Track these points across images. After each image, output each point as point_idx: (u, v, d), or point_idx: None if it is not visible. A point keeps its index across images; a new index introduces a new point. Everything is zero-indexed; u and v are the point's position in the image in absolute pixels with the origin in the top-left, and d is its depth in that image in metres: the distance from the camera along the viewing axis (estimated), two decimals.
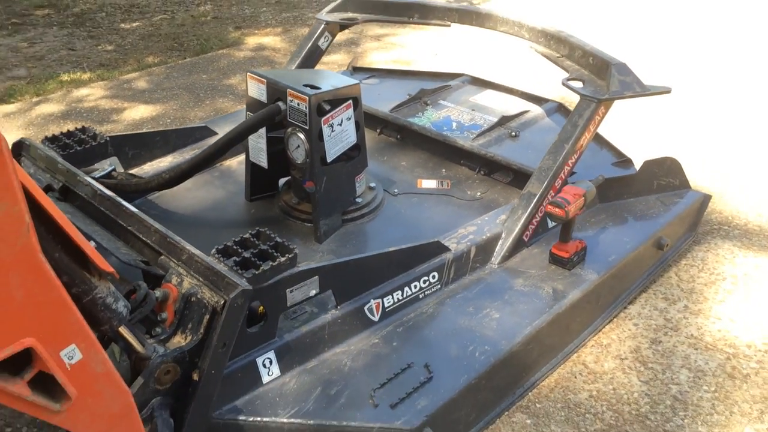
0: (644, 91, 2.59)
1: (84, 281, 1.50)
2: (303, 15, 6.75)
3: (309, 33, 3.47)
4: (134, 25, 6.67)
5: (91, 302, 1.52)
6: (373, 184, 2.83)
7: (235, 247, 1.96)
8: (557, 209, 2.30)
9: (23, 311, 1.30)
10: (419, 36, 5.87)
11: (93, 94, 4.74)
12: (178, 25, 6.58)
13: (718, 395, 2.22)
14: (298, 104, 2.40)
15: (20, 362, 1.35)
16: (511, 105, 3.39)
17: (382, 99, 3.50)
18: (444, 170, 3.04)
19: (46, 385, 1.40)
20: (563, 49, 2.89)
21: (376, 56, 5.44)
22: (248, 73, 2.58)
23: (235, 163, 3.10)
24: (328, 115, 2.44)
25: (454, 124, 3.24)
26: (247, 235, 2.00)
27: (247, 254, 1.93)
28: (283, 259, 1.92)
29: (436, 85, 3.61)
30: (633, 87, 2.58)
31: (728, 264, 2.82)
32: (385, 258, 2.20)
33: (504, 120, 3.19)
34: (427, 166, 3.09)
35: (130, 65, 5.42)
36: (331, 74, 2.83)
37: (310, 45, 3.43)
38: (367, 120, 3.30)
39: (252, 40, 5.97)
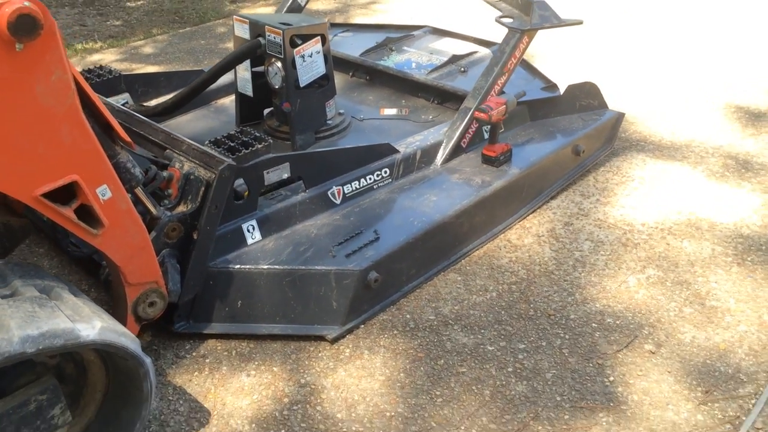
0: (560, 22, 3.15)
1: (110, 146, 2.08)
2: None
3: None
4: (139, 3, 7.24)
5: (115, 164, 2.09)
6: (342, 111, 3.40)
7: (223, 139, 2.55)
8: (482, 114, 2.87)
9: (70, 154, 1.87)
10: (401, 4, 6.41)
11: (105, 58, 5.33)
12: (179, 1, 7.14)
13: (612, 257, 2.79)
14: (275, 38, 2.97)
15: (69, 196, 1.94)
16: (464, 48, 3.94)
17: (354, 47, 4.05)
18: (404, 101, 3.61)
19: (88, 216, 1.98)
20: None
21: (361, 21, 5.98)
22: (234, 17, 3.15)
23: (228, 101, 3.67)
24: (299, 47, 3.01)
25: (414, 64, 3.80)
26: (233, 132, 2.58)
27: (232, 143, 2.52)
28: (260, 146, 2.51)
29: (401, 35, 4.17)
30: (551, 19, 3.14)
31: (639, 170, 3.38)
32: (344, 153, 2.78)
33: (455, 58, 3.74)
34: (390, 99, 3.65)
35: (136, 36, 6.00)
36: (302, 16, 3.39)
37: (290, 2, 3.98)
38: (339, 64, 3.90)
39: (246, 12, 6.54)
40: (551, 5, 3.18)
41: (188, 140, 2.48)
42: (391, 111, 3.52)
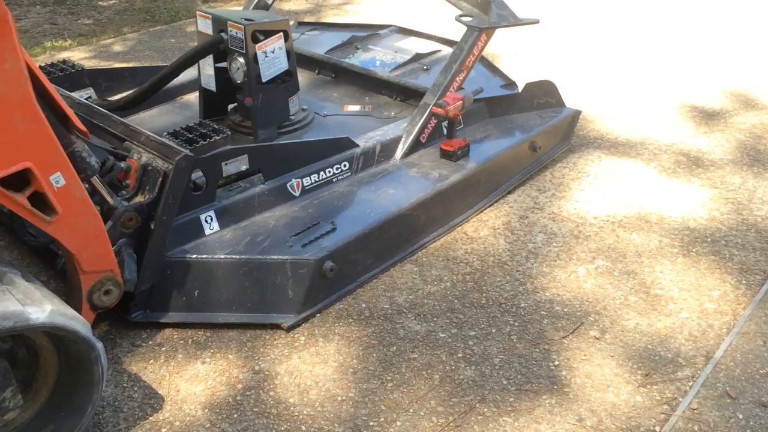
0: (517, 21, 3.23)
1: (65, 136, 2.11)
2: None
3: None
4: (111, 2, 7.23)
5: (70, 153, 2.13)
6: (305, 107, 3.45)
7: (182, 131, 2.59)
8: (439, 109, 2.94)
9: (24, 141, 1.91)
10: (372, 4, 6.48)
11: (74, 56, 5.33)
12: (151, 0, 7.15)
13: (563, 249, 2.87)
14: (237, 33, 3.02)
15: (22, 183, 1.97)
16: (428, 47, 4.02)
17: (321, 46, 4.11)
18: (367, 98, 3.67)
19: (41, 204, 2.02)
20: None
21: (331, 21, 6.04)
22: (197, 12, 3.19)
23: (192, 97, 3.71)
24: (261, 43, 3.06)
25: (378, 62, 3.86)
26: (191, 124, 2.63)
27: (190, 135, 2.56)
28: (217, 137, 2.56)
29: (367, 33, 4.23)
30: (508, 18, 3.22)
31: (594, 166, 3.47)
32: (303, 146, 2.84)
33: (418, 57, 3.81)
34: (355, 96, 3.71)
35: (107, 35, 6.00)
36: (265, 13, 3.44)
37: (257, 0, 4.03)
38: (306, 62, 3.96)
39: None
40: (509, 4, 3.26)
41: (146, 132, 2.51)
42: (355, 107, 3.58)
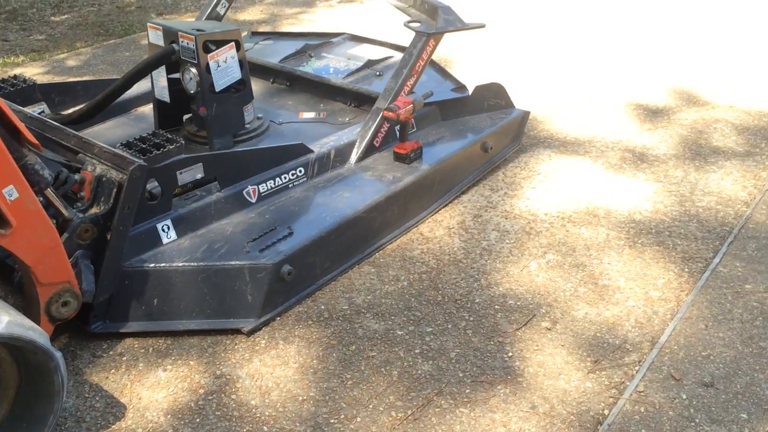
0: (464, 26, 3.33)
1: (16, 149, 2.13)
2: None
3: (207, 1, 4.10)
4: (63, 17, 7.17)
5: (23, 166, 2.14)
6: (260, 115, 3.49)
7: (135, 141, 2.62)
8: (390, 113, 3.01)
9: None
10: (327, 14, 6.55)
11: (27, 72, 5.27)
12: (105, 15, 7.11)
13: (516, 245, 2.96)
14: (188, 44, 3.05)
15: None
16: (380, 53, 4.09)
17: (275, 55, 4.15)
18: (322, 105, 3.72)
19: None
20: (409, 0, 3.61)
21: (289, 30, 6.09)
22: (148, 24, 3.22)
23: (147, 108, 3.71)
24: (213, 53, 3.09)
25: (332, 69, 3.92)
26: (145, 134, 2.65)
27: (144, 145, 2.58)
28: (171, 147, 2.59)
29: (320, 41, 4.29)
30: (455, 23, 3.31)
31: (544, 164, 3.58)
32: (257, 153, 2.89)
33: (370, 63, 3.89)
34: (309, 103, 3.77)
35: (60, 50, 5.95)
36: (216, 23, 3.48)
37: (209, 11, 4.06)
38: (260, 71, 4.00)
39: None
40: (456, 9, 3.35)
41: (100, 143, 2.53)
42: (310, 114, 3.63)
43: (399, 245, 2.99)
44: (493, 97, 3.64)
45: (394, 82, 3.26)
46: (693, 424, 2.09)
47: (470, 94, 3.61)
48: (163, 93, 3.33)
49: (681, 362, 2.31)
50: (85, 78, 5.02)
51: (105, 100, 3.14)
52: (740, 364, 2.29)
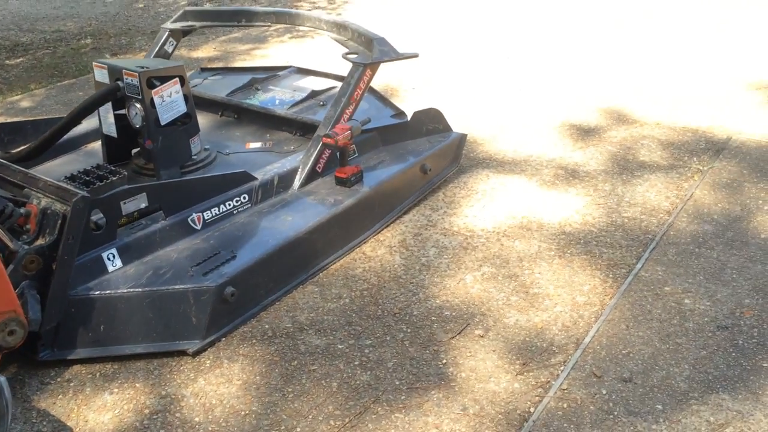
0: (398, 56, 3.51)
1: None
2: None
3: (156, 40, 4.25)
4: (18, 60, 7.24)
5: None
6: (207, 146, 3.61)
7: (79, 174, 2.72)
8: (329, 139, 3.16)
9: None
10: (279, 49, 6.73)
11: None
12: (60, 57, 7.20)
13: (453, 260, 3.10)
14: (132, 80, 3.17)
15: None
16: (324, 84, 4.25)
17: (224, 89, 4.29)
18: (268, 135, 3.86)
19: None
20: (347, 33, 3.78)
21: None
22: (94, 63, 3.34)
23: (97, 144, 3.81)
24: (157, 88, 3.21)
25: (278, 101, 4.07)
26: (89, 168, 2.75)
27: (87, 177, 2.69)
28: (114, 178, 2.69)
29: (267, 75, 4.44)
30: (390, 54, 3.49)
31: (482, 183, 3.75)
32: (200, 182, 3.01)
33: (314, 93, 4.04)
34: (256, 134, 3.90)
35: (14, 92, 6.02)
36: (160, 61, 3.61)
37: (157, 50, 4.20)
38: (209, 105, 4.14)
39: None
40: (391, 40, 3.54)
41: (44, 177, 2.63)
42: (256, 144, 3.76)
43: (342, 265, 3.11)
44: (431, 122, 3.81)
45: (333, 110, 3.42)
46: (611, 416, 2.23)
47: (409, 119, 3.78)
48: (110, 128, 3.43)
49: (602, 360, 2.46)
50: (36, 117, 5.09)
51: (52, 138, 3.23)
52: (657, 360, 2.45)
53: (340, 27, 3.81)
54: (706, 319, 2.63)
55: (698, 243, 3.11)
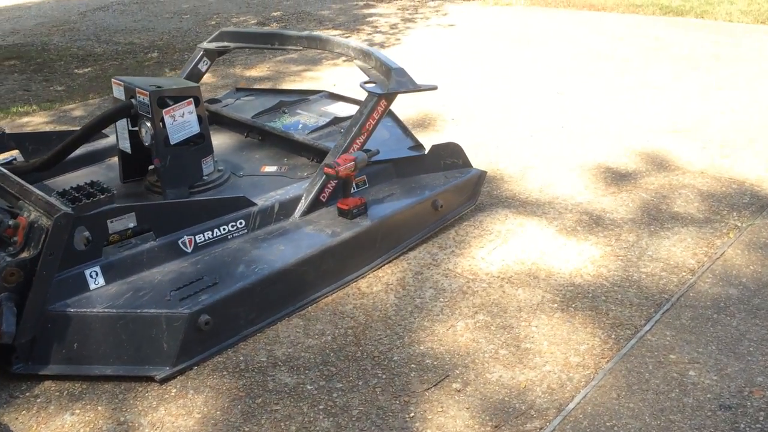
0: (416, 88, 3.40)
1: None
2: (230, 58, 7.63)
3: (190, 59, 4.30)
4: (86, 70, 7.55)
5: None
6: (221, 168, 3.60)
7: (70, 190, 2.74)
8: (329, 169, 3.08)
9: None
10: (330, 72, 6.74)
11: (34, 120, 5.57)
12: (124, 69, 7.46)
13: (449, 303, 2.94)
14: (143, 99, 3.20)
15: None
16: (350, 110, 4.18)
17: (252, 110, 4.29)
18: (286, 159, 3.82)
19: None
20: (370, 61, 3.71)
21: (290, 87, 6.28)
22: (113, 79, 3.39)
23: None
24: (169, 108, 3.23)
25: (300, 126, 4.03)
26: (82, 184, 2.77)
27: (77, 194, 2.70)
28: (102, 196, 2.69)
29: (297, 98, 4.42)
30: (407, 85, 3.39)
31: (499, 224, 3.57)
32: (194, 204, 2.98)
33: (336, 120, 3.97)
34: (276, 158, 3.87)
35: (72, 100, 6.26)
36: (179, 80, 3.63)
37: (191, 68, 4.26)
38: (236, 125, 4.16)
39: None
40: (410, 72, 3.44)
41: (37, 191, 2.66)
42: (272, 168, 3.73)
43: (334, 299, 3.01)
44: (450, 156, 3.68)
45: (343, 139, 3.34)
46: None
47: (426, 152, 3.66)
48: (125, 144, 3.48)
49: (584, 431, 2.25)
50: (64, 128, 5.25)
51: (63, 151, 3.29)
52: None
53: (365, 55, 3.74)
54: (708, 395, 2.37)
55: (718, 308, 2.83)
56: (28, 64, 7.93)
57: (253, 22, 9.72)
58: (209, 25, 9.73)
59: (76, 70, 7.53)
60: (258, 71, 6.99)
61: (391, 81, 3.39)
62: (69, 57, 8.14)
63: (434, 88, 3.45)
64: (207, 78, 6.76)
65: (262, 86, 6.41)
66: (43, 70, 7.56)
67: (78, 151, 3.74)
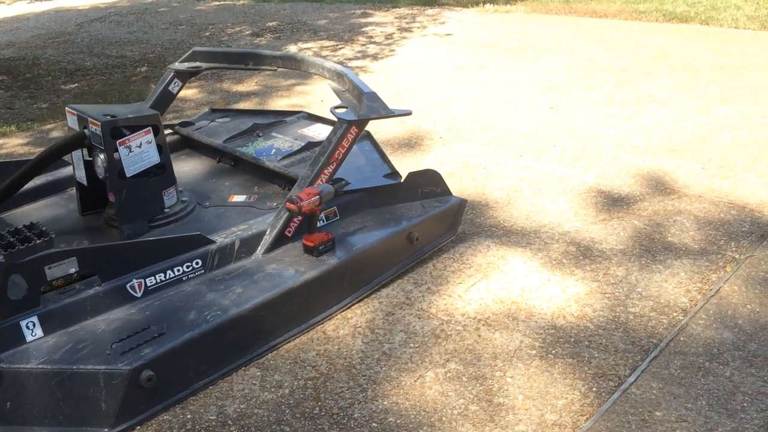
0: (388, 113, 3.18)
1: None
2: (219, 72, 7.44)
3: (161, 80, 4.10)
4: (73, 86, 7.40)
5: None
6: (185, 198, 3.40)
7: (6, 234, 2.54)
8: (291, 204, 2.86)
9: None
10: (319, 87, 6.54)
11: (11, 142, 5.41)
12: (111, 84, 7.31)
13: (419, 350, 2.72)
14: (96, 129, 3.00)
15: None
16: (326, 134, 3.97)
17: (226, 133, 4.09)
18: (257, 188, 3.61)
19: None
20: (344, 84, 3.50)
21: (278, 103, 6.08)
22: (66, 108, 3.20)
23: None
24: (124, 138, 3.03)
25: (274, 151, 3.82)
26: (20, 227, 2.57)
27: (12, 239, 2.50)
28: (39, 241, 2.49)
29: (272, 120, 4.21)
30: (379, 110, 3.17)
31: (480, 257, 3.34)
32: (143, 245, 2.77)
33: (310, 145, 3.76)
34: (246, 185, 3.66)
35: (53, 119, 6.10)
36: (138, 108, 3.43)
37: (161, 89, 4.06)
38: (207, 150, 3.96)
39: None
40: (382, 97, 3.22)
41: None
42: (240, 198, 3.52)
43: (296, 345, 2.79)
44: (427, 184, 3.45)
45: (310, 170, 3.12)
46: None
47: (402, 180, 3.43)
48: (82, 176, 3.29)
49: None
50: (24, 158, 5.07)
51: (13, 185, 3.10)
52: None
53: (339, 76, 3.53)
54: None
55: (711, 355, 2.59)
56: (15, 79, 7.80)
57: (248, 32, 9.55)
58: (203, 36, 9.57)
59: (62, 86, 7.38)
60: (247, 86, 6.80)
61: (362, 106, 3.17)
62: (58, 72, 8.00)
63: (408, 113, 3.23)
64: (194, 94, 6.59)
65: (251, 102, 6.23)
66: (30, 86, 7.41)
67: (38, 181, 3.57)
